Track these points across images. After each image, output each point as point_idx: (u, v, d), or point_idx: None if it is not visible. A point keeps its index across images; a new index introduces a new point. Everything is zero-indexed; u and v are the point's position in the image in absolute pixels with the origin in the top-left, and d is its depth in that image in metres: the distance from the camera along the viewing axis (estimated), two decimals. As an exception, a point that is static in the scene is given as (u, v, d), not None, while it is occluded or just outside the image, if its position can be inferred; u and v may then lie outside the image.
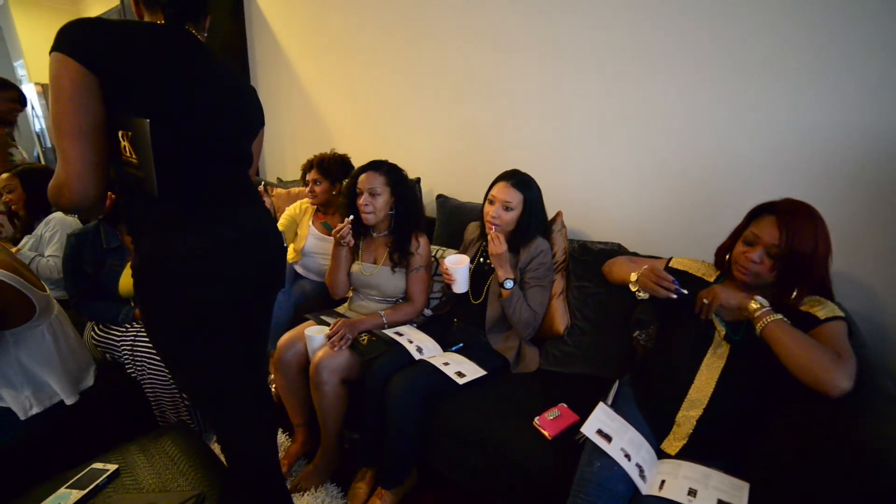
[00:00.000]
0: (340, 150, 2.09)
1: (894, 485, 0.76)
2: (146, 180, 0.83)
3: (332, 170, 1.97)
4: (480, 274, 1.55)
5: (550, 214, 1.62)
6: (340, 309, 1.76)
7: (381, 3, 2.22)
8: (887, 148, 1.31)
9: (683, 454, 1.11)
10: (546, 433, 1.22)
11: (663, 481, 1.02)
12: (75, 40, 0.78)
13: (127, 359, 1.59)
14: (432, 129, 2.19)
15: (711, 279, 1.24)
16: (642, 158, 1.66)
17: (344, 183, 1.75)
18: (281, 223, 2.07)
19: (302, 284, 2.00)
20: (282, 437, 1.73)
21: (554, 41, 1.75)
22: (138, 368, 1.58)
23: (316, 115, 2.74)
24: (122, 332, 1.61)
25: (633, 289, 1.28)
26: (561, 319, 1.52)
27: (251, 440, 1.12)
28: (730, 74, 1.46)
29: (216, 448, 1.36)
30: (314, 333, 1.51)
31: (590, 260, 1.53)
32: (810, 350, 0.98)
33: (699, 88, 1.51)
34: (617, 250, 1.52)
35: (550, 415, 1.27)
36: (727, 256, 1.19)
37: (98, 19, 0.84)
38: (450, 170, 2.17)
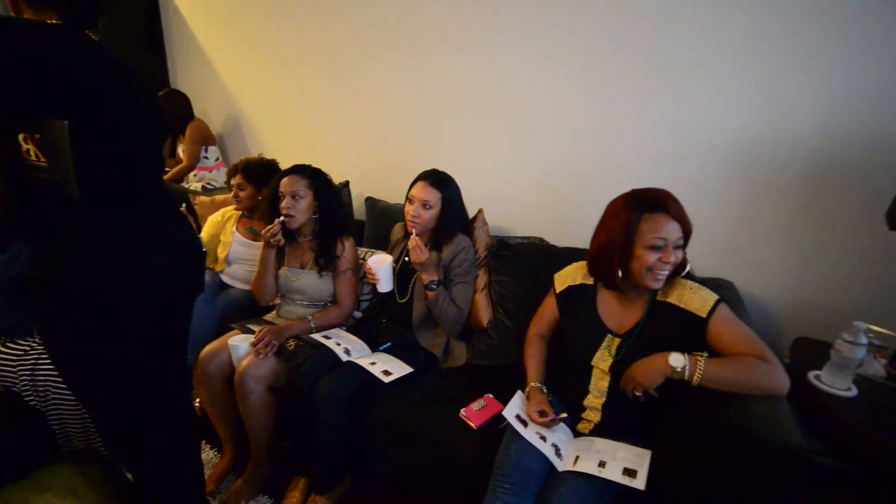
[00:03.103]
0: (269, 156, 2.04)
1: (757, 449, 0.87)
2: (62, 184, 0.79)
3: (257, 174, 1.93)
4: (406, 273, 1.57)
5: (473, 212, 1.69)
6: (269, 316, 1.72)
7: (304, 6, 2.20)
8: (763, 142, 1.49)
9: (596, 432, 1.19)
10: (472, 423, 1.26)
11: (577, 457, 1.09)
12: None
13: (26, 384, 1.45)
14: (360, 133, 2.21)
15: (590, 281, 1.24)
16: (555, 156, 1.77)
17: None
18: (202, 236, 2.00)
19: (228, 293, 1.93)
20: (210, 454, 1.65)
21: (472, 46, 1.82)
22: (40, 395, 1.44)
23: (243, 119, 2.65)
24: (21, 354, 1.47)
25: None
26: (484, 313, 1.57)
27: (172, 462, 1.07)
28: (629, 77, 1.60)
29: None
30: (238, 342, 1.47)
31: (507, 255, 1.60)
32: (746, 375, 0.99)
33: (601, 91, 1.65)
34: (539, 244, 1.60)
35: (476, 405, 1.31)
36: (619, 271, 1.10)
37: None
38: (378, 172, 2.19)
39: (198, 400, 1.65)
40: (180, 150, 2.66)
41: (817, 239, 1.49)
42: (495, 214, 1.86)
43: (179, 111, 2.60)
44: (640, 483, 1.00)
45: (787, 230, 1.52)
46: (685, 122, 1.56)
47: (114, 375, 0.93)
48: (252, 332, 1.53)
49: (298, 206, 1.55)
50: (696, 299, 1.10)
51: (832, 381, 1.21)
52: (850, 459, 1.08)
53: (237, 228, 1.97)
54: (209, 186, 2.60)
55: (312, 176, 1.60)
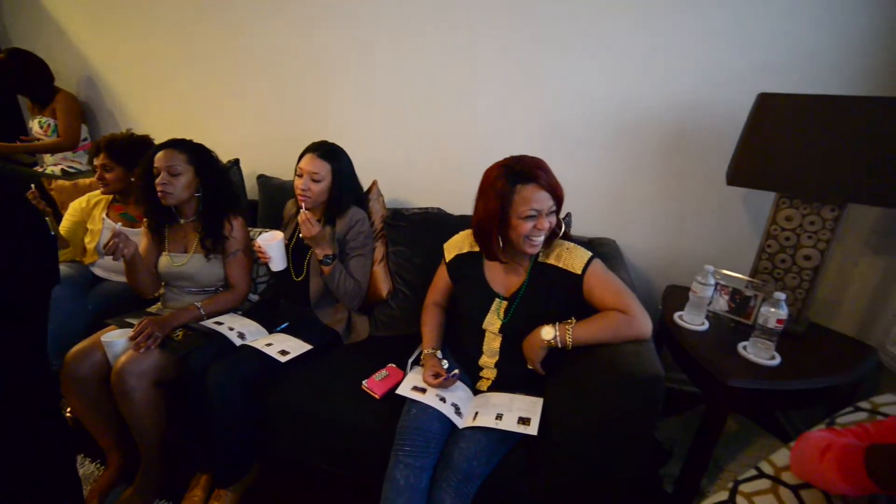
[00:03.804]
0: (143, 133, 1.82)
1: (622, 380, 0.98)
2: None
3: (125, 153, 1.70)
4: (300, 249, 1.51)
5: (367, 185, 1.66)
6: (153, 309, 1.56)
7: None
8: (630, 110, 1.63)
9: (494, 388, 1.26)
10: (375, 394, 1.27)
11: (477, 413, 1.14)
12: None
13: None
14: (248, 108, 2.05)
15: (477, 248, 1.26)
16: (448, 125, 1.81)
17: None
18: (64, 225, 1.74)
19: (103, 287, 1.72)
20: (91, 467, 1.48)
21: (360, 19, 1.77)
22: None
23: (105, 92, 2.31)
24: None
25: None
26: (383, 285, 1.57)
27: (39, 490, 0.93)
28: (514, 52, 1.66)
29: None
30: (113, 338, 1.32)
31: (403, 225, 1.61)
32: (613, 333, 1.07)
33: (491, 64, 1.70)
34: (434, 213, 1.62)
35: (378, 376, 1.31)
36: (499, 240, 1.15)
37: None
38: (270, 148, 2.06)
39: (69, 410, 1.47)
40: (36, 125, 2.28)
41: (678, 196, 1.68)
42: (394, 185, 1.86)
43: (30, 77, 2.20)
44: (533, 429, 1.07)
45: (655, 189, 1.70)
46: (565, 92, 1.66)
47: None
48: (132, 326, 1.38)
49: (176, 182, 1.41)
50: (573, 258, 1.19)
51: (690, 319, 1.39)
52: (703, 383, 1.26)
53: (108, 214, 1.75)
54: (71, 170, 2.26)
55: (193, 151, 1.46)
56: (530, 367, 1.19)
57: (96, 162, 1.69)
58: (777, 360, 1.19)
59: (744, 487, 0.85)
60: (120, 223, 1.73)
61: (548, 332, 1.12)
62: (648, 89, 1.58)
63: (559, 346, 1.11)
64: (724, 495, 0.86)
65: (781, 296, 1.17)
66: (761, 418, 1.51)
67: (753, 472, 0.88)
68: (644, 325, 1.08)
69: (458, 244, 1.34)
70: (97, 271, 1.78)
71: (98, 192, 1.78)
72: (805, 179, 1.23)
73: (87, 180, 1.95)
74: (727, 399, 1.16)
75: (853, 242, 1.51)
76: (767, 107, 1.27)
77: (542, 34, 1.61)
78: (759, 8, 1.42)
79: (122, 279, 1.75)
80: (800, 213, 1.31)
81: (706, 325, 1.37)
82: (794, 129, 1.23)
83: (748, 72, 1.48)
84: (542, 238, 1.14)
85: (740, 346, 1.26)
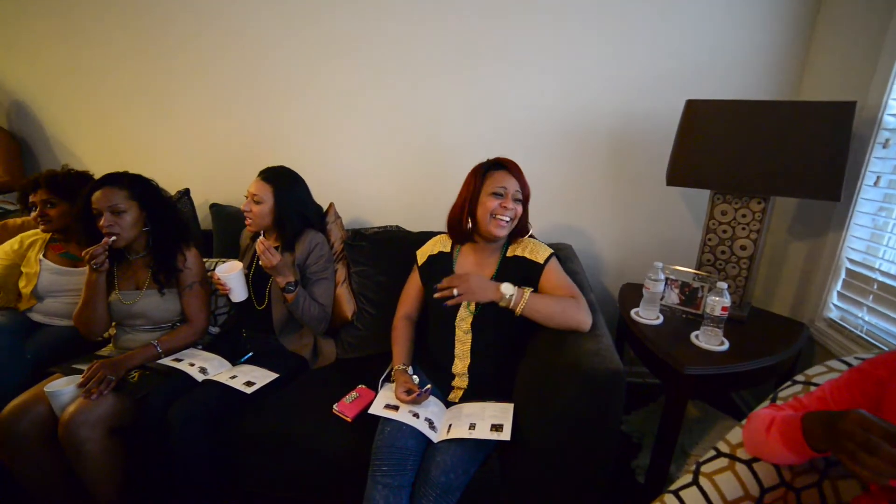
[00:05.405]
0: (81, 168, 1.72)
1: (585, 378, 1.02)
2: None
3: (70, 187, 1.61)
4: (260, 278, 1.48)
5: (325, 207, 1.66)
6: (104, 351, 1.47)
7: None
8: (584, 122, 1.72)
9: (465, 398, 1.27)
10: (346, 417, 1.25)
11: (450, 426, 1.15)
12: None
13: None
14: (198, 135, 1.98)
15: (448, 248, 1.37)
16: (406, 145, 1.84)
17: None
18: None
19: (45, 334, 1.60)
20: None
21: (315, 41, 1.78)
22: None
23: (33, 124, 2.16)
24: None
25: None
26: (347, 307, 1.57)
27: None
28: (465, 69, 1.73)
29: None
30: (59, 387, 1.23)
31: (363, 245, 1.62)
32: (561, 310, 1.15)
33: (441, 83, 1.76)
34: (395, 231, 1.64)
35: (349, 398, 1.30)
36: (468, 221, 1.26)
37: None
38: (222, 176, 2.00)
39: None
40: None
41: (627, 199, 1.79)
42: (351, 207, 1.88)
43: None
44: (506, 435, 1.09)
45: (605, 194, 1.80)
46: (518, 105, 1.75)
47: None
48: (81, 372, 1.30)
49: (122, 221, 1.34)
50: (538, 250, 1.29)
51: (646, 314, 1.46)
52: (662, 374, 1.33)
53: (46, 255, 1.64)
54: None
55: (132, 185, 1.39)
56: (454, 294, 1.11)
57: (34, 198, 1.59)
58: (726, 346, 1.28)
59: (705, 468, 0.90)
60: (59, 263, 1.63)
61: (507, 289, 1.15)
62: (594, 100, 1.69)
63: (510, 306, 1.15)
64: (688, 478, 0.91)
65: (724, 285, 1.26)
66: (717, 400, 1.61)
67: (713, 453, 0.93)
68: (587, 316, 1.16)
69: (430, 247, 1.40)
70: (36, 317, 1.65)
71: (31, 232, 1.68)
72: (732, 176, 1.35)
73: (19, 220, 1.82)
74: (684, 386, 1.23)
75: (781, 231, 1.65)
76: (694, 112, 1.38)
77: (496, 50, 1.69)
78: (684, 26, 1.56)
79: (66, 323, 1.64)
80: (732, 207, 1.43)
81: (661, 319, 1.45)
82: (717, 130, 1.35)
83: (678, 81, 1.61)
84: (507, 219, 1.23)
85: (692, 335, 1.34)
